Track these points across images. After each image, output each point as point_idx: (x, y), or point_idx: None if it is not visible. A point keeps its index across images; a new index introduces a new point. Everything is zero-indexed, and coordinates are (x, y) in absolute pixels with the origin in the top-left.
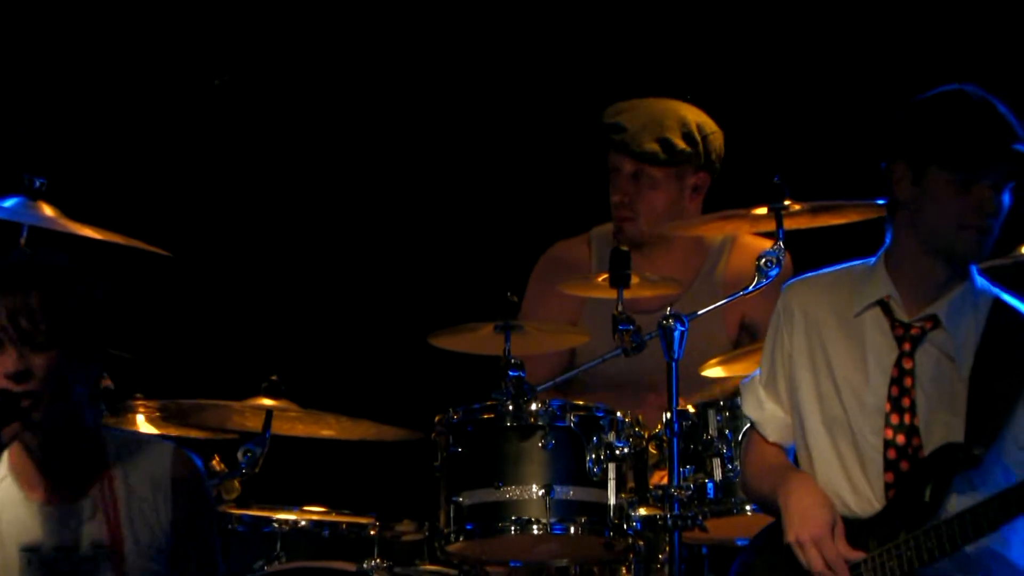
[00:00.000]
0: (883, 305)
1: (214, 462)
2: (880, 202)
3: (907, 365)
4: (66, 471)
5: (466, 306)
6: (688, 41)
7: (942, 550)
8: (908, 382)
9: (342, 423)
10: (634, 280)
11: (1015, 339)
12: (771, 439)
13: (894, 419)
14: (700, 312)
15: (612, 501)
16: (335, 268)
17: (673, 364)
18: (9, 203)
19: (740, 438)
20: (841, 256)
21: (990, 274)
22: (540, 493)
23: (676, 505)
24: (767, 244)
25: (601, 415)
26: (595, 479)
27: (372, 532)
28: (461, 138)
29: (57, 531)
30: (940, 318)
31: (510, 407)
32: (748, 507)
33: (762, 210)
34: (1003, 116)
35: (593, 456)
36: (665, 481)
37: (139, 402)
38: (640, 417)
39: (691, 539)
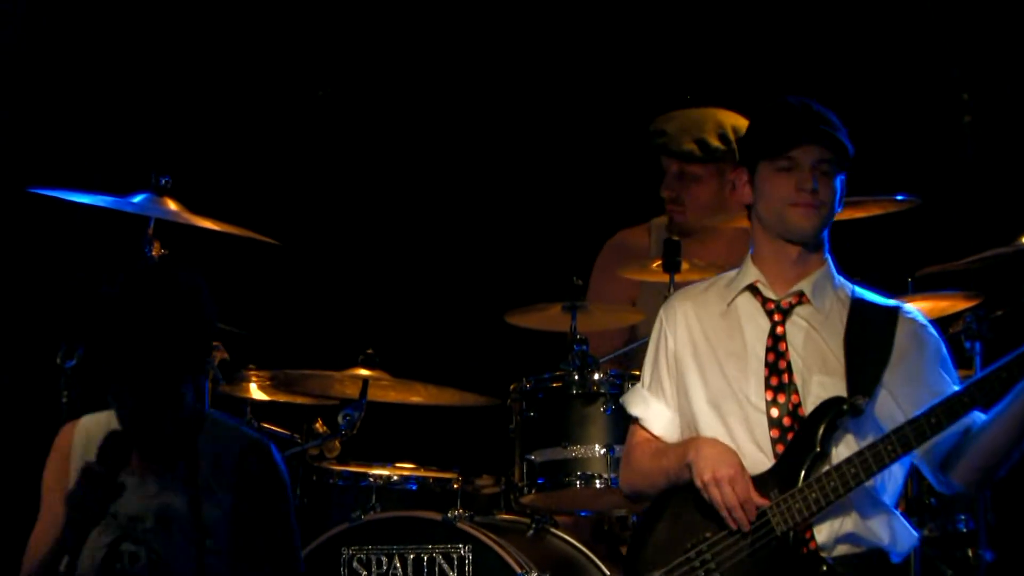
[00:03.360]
0: (753, 289)
1: (317, 425)
2: (900, 198)
3: (779, 332)
4: (153, 449)
5: (538, 288)
6: (725, 45)
7: (836, 492)
8: (782, 346)
9: (429, 390)
10: (684, 266)
11: (876, 318)
12: (657, 433)
13: (773, 380)
14: None
15: None
16: (424, 255)
17: None
18: (138, 199)
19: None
20: (864, 245)
21: (991, 263)
22: (602, 452)
23: None
24: None
25: None
26: None
27: (455, 486)
28: (537, 143)
29: (132, 501)
30: (806, 292)
31: (576, 377)
32: None
33: None
34: (814, 109)
35: None
36: None
37: (252, 372)
38: None
39: None
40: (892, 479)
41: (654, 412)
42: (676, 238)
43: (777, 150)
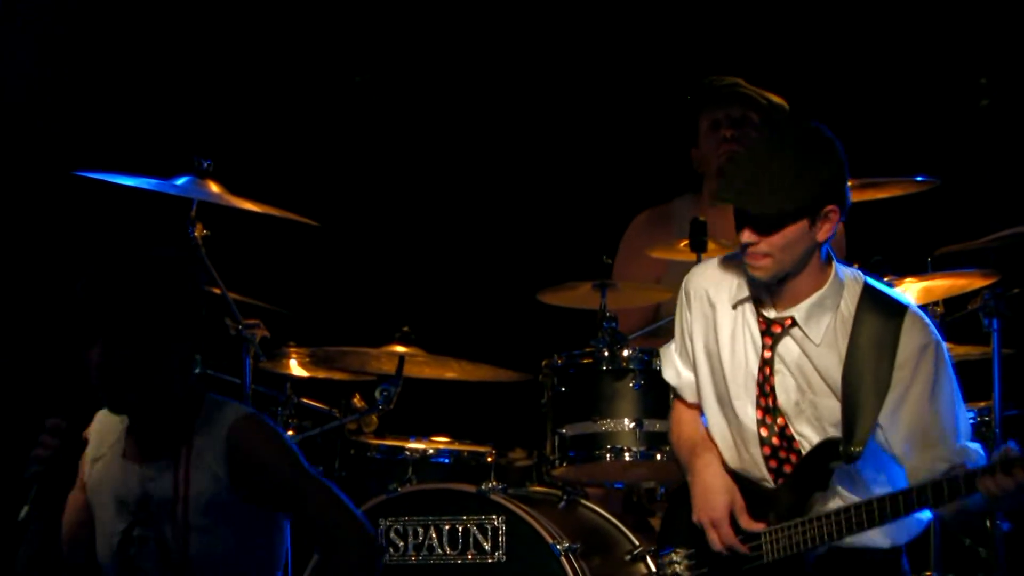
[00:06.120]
0: (755, 300)
1: (355, 399)
2: (919, 179)
3: (767, 356)
4: (152, 435)
5: (568, 267)
6: (758, 24)
7: (831, 537)
8: (768, 370)
9: (463, 366)
10: (711, 245)
11: (879, 334)
12: (690, 401)
13: (761, 400)
14: None
15: None
16: (458, 236)
17: None
18: (181, 181)
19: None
20: (884, 225)
21: (1009, 242)
22: (631, 426)
23: None
24: None
25: None
26: None
27: (489, 459)
28: (568, 125)
29: (136, 487)
30: (797, 319)
31: (605, 353)
32: None
33: None
34: (747, 176)
35: None
36: None
37: (292, 349)
38: None
39: None
40: (887, 471)
41: (686, 381)
42: (703, 218)
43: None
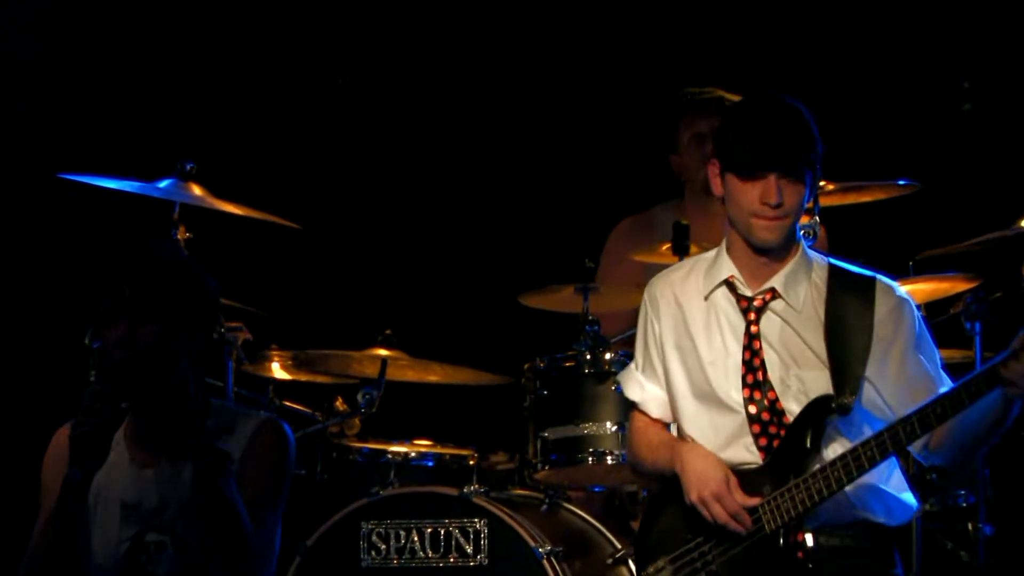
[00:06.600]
0: (728, 284)
1: (337, 403)
2: (901, 183)
3: (754, 330)
4: (167, 438)
5: (551, 271)
6: (738, 29)
7: (829, 489)
8: (756, 344)
9: (446, 370)
10: (693, 249)
11: (853, 298)
12: (655, 415)
13: (749, 378)
14: None
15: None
16: (441, 240)
17: None
18: (164, 184)
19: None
20: (866, 229)
21: (990, 246)
22: (613, 429)
23: None
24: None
25: None
26: None
27: (471, 462)
28: (551, 129)
29: (152, 492)
30: (778, 289)
31: (588, 356)
32: None
33: None
34: (781, 125)
35: None
36: None
37: (274, 352)
38: None
39: None
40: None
41: (650, 395)
42: (685, 222)
43: (742, 172)
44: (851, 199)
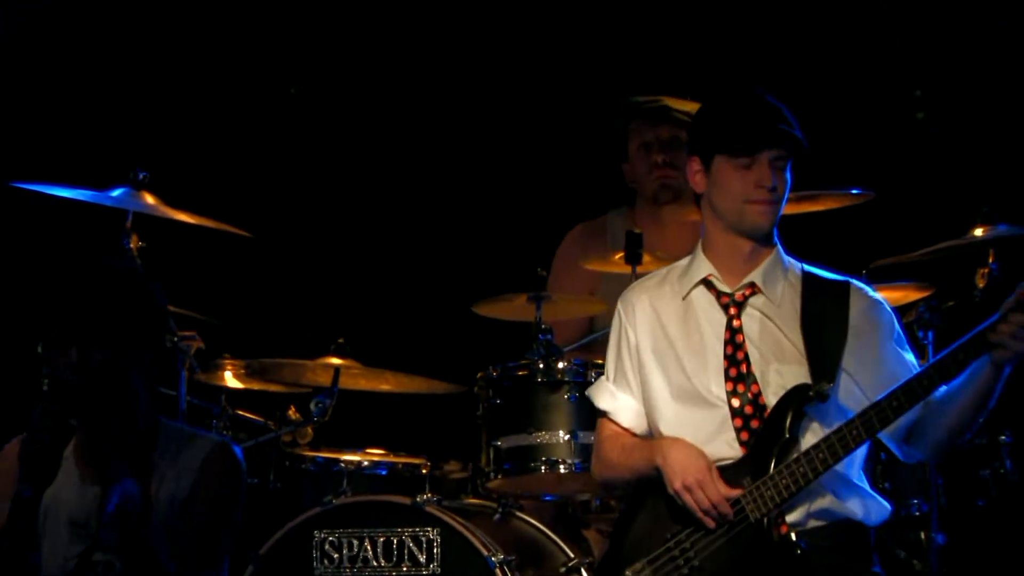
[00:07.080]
0: (706, 283)
1: (290, 412)
2: (854, 191)
3: (736, 325)
4: (115, 455)
5: (503, 280)
6: (691, 37)
7: (815, 472)
8: (739, 339)
9: (399, 378)
10: (646, 258)
11: (829, 297)
12: (625, 425)
13: (732, 372)
14: None
15: None
16: (394, 248)
17: None
18: (116, 193)
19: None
20: (819, 238)
21: (943, 255)
22: (566, 438)
23: None
24: None
25: None
26: None
27: (424, 471)
28: (502, 138)
29: (97, 509)
30: (757, 284)
31: (540, 365)
32: None
33: None
34: (770, 104)
35: None
36: None
37: (227, 360)
38: None
39: None
40: (855, 454)
41: (622, 405)
42: (638, 231)
43: (740, 148)
44: (804, 208)
